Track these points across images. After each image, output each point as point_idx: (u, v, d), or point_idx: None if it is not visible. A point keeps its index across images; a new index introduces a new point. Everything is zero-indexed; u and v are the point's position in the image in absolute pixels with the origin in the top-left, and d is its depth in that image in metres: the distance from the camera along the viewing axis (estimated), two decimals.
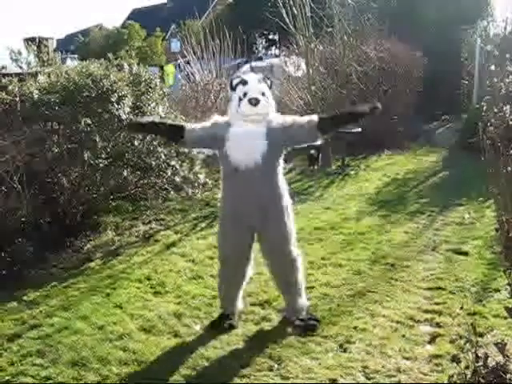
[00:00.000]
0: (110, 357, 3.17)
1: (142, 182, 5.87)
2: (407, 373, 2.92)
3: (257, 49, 30.63)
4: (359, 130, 8.45)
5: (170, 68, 16.81)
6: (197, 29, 16.64)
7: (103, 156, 5.12)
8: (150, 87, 5.72)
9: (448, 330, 3.33)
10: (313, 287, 4.03)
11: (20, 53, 5.91)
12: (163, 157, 5.55)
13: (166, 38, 32.50)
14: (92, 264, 4.73)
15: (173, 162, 5.66)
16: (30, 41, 6.72)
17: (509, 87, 2.58)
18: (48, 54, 6.52)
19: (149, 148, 5.47)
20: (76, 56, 19.37)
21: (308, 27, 8.56)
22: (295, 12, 8.39)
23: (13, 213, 4.68)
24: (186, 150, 5.41)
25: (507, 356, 2.40)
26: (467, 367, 2.45)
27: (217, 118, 3.49)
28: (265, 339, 3.34)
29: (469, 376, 2.42)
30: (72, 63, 11.00)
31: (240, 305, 3.64)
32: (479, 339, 2.72)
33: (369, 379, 2.90)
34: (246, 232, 3.36)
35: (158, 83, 5.90)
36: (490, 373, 2.38)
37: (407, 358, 3.06)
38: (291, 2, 8.32)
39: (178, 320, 3.63)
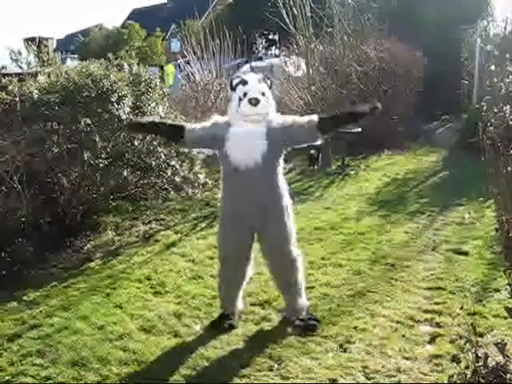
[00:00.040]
0: (109, 357, 3.17)
1: (142, 181, 5.87)
2: (407, 373, 2.92)
3: (257, 49, 30.63)
4: (359, 130, 8.45)
5: (170, 68, 16.81)
6: (197, 29, 16.64)
7: (103, 156, 5.12)
8: (150, 87, 5.72)
9: (448, 330, 3.33)
10: (313, 287, 4.03)
11: (20, 53, 5.91)
12: (163, 157, 5.55)
13: (166, 38, 32.50)
14: (92, 264, 4.73)
15: (173, 162, 5.66)
16: (29, 41, 6.72)
17: (509, 87, 2.58)
18: (48, 54, 6.51)
19: (149, 148, 5.47)
20: (76, 56, 19.37)
21: (308, 27, 8.56)
22: (295, 12, 8.39)
23: (13, 213, 4.68)
24: (186, 150, 5.40)
25: (507, 356, 2.40)
26: (467, 367, 2.45)
27: (217, 117, 3.49)
28: (265, 339, 3.34)
29: (469, 376, 2.42)
30: (72, 63, 11.01)
31: (240, 305, 3.64)
32: (479, 339, 2.72)
33: (369, 379, 2.89)
34: (246, 232, 3.36)
35: (157, 83, 5.90)
36: (490, 373, 2.38)
37: (407, 358, 3.06)
38: (291, 2, 8.32)
39: (178, 320, 3.63)
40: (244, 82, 3.30)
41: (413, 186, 7.26)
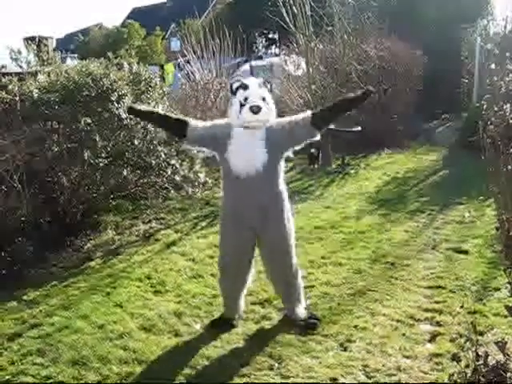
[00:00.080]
0: (110, 356, 3.17)
1: (142, 181, 5.87)
2: (407, 371, 2.92)
3: (257, 48, 30.62)
4: (359, 128, 8.46)
5: (169, 67, 16.81)
6: (197, 28, 16.63)
7: (103, 155, 5.12)
8: (150, 86, 5.73)
9: (448, 329, 3.33)
10: (313, 286, 4.04)
11: (20, 52, 5.91)
12: (163, 156, 5.55)
13: (166, 36, 32.47)
14: (92, 263, 4.73)
15: (173, 161, 5.66)
16: (29, 40, 6.71)
17: (509, 86, 2.58)
18: (48, 53, 6.50)
19: (149, 147, 5.47)
20: (76, 55, 19.35)
21: (308, 26, 8.55)
22: (295, 11, 8.39)
23: (13, 212, 4.68)
24: (188, 147, 5.37)
25: (507, 354, 2.41)
26: (467, 366, 2.45)
27: (217, 121, 3.52)
28: (265, 338, 3.34)
29: (469, 375, 2.43)
30: (72, 62, 11.00)
31: (242, 306, 3.63)
32: (479, 338, 2.72)
33: (369, 378, 2.89)
34: (247, 233, 3.34)
35: (157, 82, 5.90)
36: (490, 371, 2.38)
37: (407, 357, 3.06)
38: (291, 1, 8.32)
39: (179, 319, 3.63)
40: (244, 87, 3.27)
41: (413, 185, 7.26)
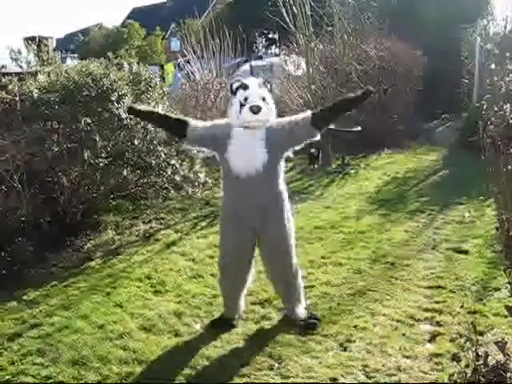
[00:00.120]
0: (110, 356, 3.17)
1: (142, 181, 5.87)
2: (407, 371, 2.92)
3: (257, 48, 30.62)
4: (359, 128, 8.46)
5: (169, 67, 16.81)
6: (197, 28, 16.63)
7: (103, 155, 5.12)
8: (150, 86, 5.73)
9: (448, 329, 3.33)
10: (313, 286, 4.04)
11: (20, 52, 5.91)
12: (163, 156, 5.55)
13: (166, 36, 32.47)
14: (92, 263, 4.73)
15: (173, 161, 5.66)
16: (29, 40, 6.71)
17: (509, 86, 2.58)
18: (48, 53, 6.51)
19: (149, 147, 5.47)
20: (76, 55, 19.35)
21: (308, 26, 8.55)
22: (295, 11, 8.39)
23: (13, 212, 4.68)
24: (188, 147, 5.36)
25: (507, 354, 2.41)
26: (467, 366, 2.45)
27: (217, 121, 3.53)
28: (265, 338, 3.34)
29: (469, 375, 2.43)
30: (72, 62, 11.00)
31: (242, 307, 3.62)
32: (479, 338, 2.72)
33: (369, 378, 2.89)
34: (247, 233, 3.34)
35: (157, 82, 5.90)
36: (490, 371, 2.38)
37: (407, 357, 3.06)
38: (291, 1, 8.32)
39: (179, 319, 3.63)
40: (245, 87, 3.27)
41: (413, 185, 7.26)
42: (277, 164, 3.31)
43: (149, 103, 5.56)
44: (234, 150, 3.24)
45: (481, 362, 2.41)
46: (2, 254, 4.54)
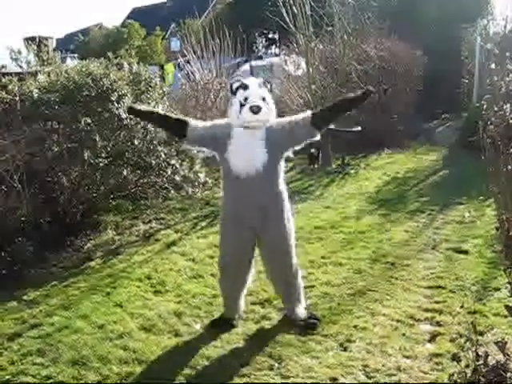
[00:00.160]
0: (110, 356, 3.17)
1: (142, 181, 5.87)
2: (407, 371, 2.92)
3: (257, 48, 30.62)
4: (359, 128, 8.46)
5: (169, 67, 16.81)
6: (197, 28, 16.63)
7: (103, 155, 5.12)
8: (150, 86, 5.73)
9: (448, 329, 3.33)
10: (313, 286, 4.04)
11: (20, 52, 5.92)
12: (163, 156, 5.55)
13: (166, 36, 32.48)
14: (92, 263, 4.73)
15: (173, 161, 5.66)
16: (29, 40, 6.72)
17: (509, 86, 2.58)
18: (48, 53, 6.51)
19: (149, 147, 5.47)
20: (76, 55, 19.35)
21: (308, 26, 8.55)
22: (295, 11, 8.39)
23: (13, 212, 4.68)
24: (188, 147, 5.35)
25: (507, 354, 2.41)
26: (467, 366, 2.45)
27: (217, 121, 3.53)
28: (265, 338, 3.34)
29: (469, 375, 2.43)
30: (72, 62, 11.00)
31: (242, 307, 3.62)
32: (479, 338, 2.72)
33: (369, 378, 2.89)
34: (247, 233, 3.34)
35: (157, 82, 5.90)
36: (490, 371, 2.38)
37: (407, 357, 3.06)
38: (291, 1, 8.31)
39: (179, 319, 3.63)
40: (245, 87, 3.27)
41: (413, 185, 7.26)
42: (277, 164, 3.31)
43: (149, 103, 5.56)
44: (234, 150, 3.24)
45: (481, 362, 2.41)
46: (2, 254, 4.54)
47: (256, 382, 2.90)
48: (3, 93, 4.77)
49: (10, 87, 4.82)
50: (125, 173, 5.38)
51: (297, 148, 3.38)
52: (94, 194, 5.48)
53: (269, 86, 3.40)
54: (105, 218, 5.70)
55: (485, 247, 4.72)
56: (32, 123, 4.90)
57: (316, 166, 8.41)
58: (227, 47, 10.33)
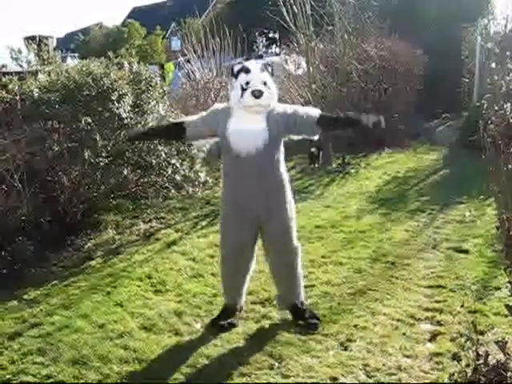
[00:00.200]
0: (110, 355, 3.17)
1: (142, 180, 5.86)
2: (408, 371, 2.92)
3: (257, 47, 30.62)
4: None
5: (170, 66, 16.81)
6: (197, 27, 16.63)
7: (103, 154, 5.12)
8: (151, 86, 5.72)
9: (449, 328, 3.32)
10: (313, 285, 4.03)
11: (20, 51, 5.91)
12: (163, 155, 5.55)
13: (167, 36, 32.52)
14: (93, 262, 4.73)
15: (173, 161, 5.66)
16: (30, 39, 6.71)
17: (509, 85, 2.57)
18: (48, 52, 6.49)
19: (149, 146, 5.46)
20: (76, 54, 19.37)
21: (308, 25, 8.55)
22: (295, 10, 8.39)
23: (13, 211, 4.68)
24: (191, 144, 5.35)
25: (508, 354, 2.40)
26: (468, 365, 2.45)
27: (216, 105, 3.52)
28: (265, 337, 3.34)
29: (469, 374, 2.43)
30: (72, 62, 11.00)
31: (242, 301, 3.62)
32: (480, 337, 2.72)
33: (370, 377, 2.89)
34: (248, 220, 3.31)
35: (158, 82, 5.90)
36: (490, 371, 2.38)
37: (408, 356, 3.06)
38: (291, 1, 8.32)
39: (179, 318, 3.63)
40: (246, 70, 3.24)
41: (413, 184, 7.26)
42: (278, 144, 3.28)
43: (149, 102, 5.56)
44: (234, 128, 3.22)
45: (481, 361, 2.41)
46: (3, 254, 4.53)
47: (256, 381, 2.90)
48: (3, 92, 4.76)
49: (10, 86, 4.81)
50: (125, 172, 5.38)
51: (294, 137, 3.38)
52: (95, 194, 5.48)
53: (270, 70, 3.37)
54: (105, 217, 5.70)
55: (485, 246, 4.72)
56: (32, 122, 4.90)
57: (316, 165, 8.40)
58: (227, 46, 10.34)
